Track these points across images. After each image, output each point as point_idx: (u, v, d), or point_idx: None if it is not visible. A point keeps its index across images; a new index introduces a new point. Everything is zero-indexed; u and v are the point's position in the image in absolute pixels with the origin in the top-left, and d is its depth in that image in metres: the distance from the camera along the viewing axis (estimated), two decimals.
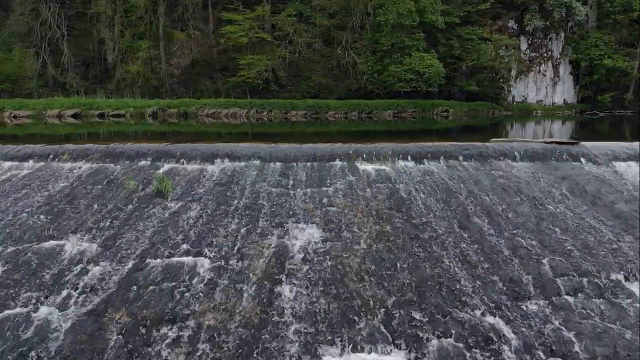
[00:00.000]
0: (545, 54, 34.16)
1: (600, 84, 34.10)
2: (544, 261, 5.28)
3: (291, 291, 4.67)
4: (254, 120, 25.02)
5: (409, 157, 8.05)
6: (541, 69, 34.21)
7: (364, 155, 8.12)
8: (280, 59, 29.84)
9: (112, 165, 7.79)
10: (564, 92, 35.10)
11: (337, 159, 7.98)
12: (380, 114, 27.67)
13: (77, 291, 4.77)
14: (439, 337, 4.18)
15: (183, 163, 7.82)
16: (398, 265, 5.11)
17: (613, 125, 23.23)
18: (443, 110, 28.91)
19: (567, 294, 4.83)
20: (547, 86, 34.66)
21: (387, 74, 28.99)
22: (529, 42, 33.86)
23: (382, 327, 4.25)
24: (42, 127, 20.08)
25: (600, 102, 33.56)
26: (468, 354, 4.02)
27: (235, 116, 26.32)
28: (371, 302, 4.53)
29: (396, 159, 8.05)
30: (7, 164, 8.08)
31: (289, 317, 4.36)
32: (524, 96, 34.36)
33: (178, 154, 8.00)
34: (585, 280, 5.04)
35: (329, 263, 5.12)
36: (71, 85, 29.04)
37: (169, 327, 4.25)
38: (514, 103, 33.60)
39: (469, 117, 28.39)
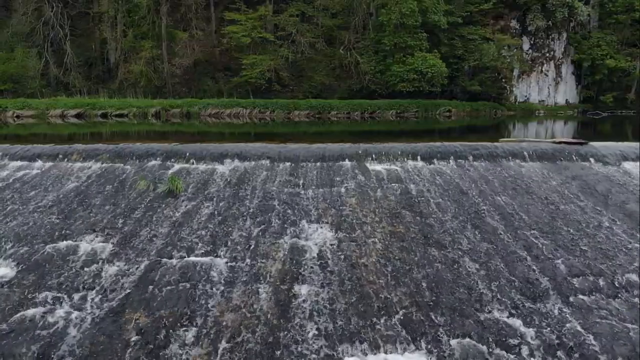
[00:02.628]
0: (547, 54, 34.15)
1: (602, 84, 34.12)
2: (559, 261, 5.28)
3: (308, 291, 4.67)
4: (256, 120, 25.01)
5: (419, 157, 8.06)
6: (543, 69, 34.21)
7: (373, 155, 8.13)
8: (283, 59, 29.85)
9: (122, 165, 7.80)
10: (566, 92, 35.11)
11: (347, 159, 7.99)
12: (383, 113, 27.67)
13: (94, 291, 4.76)
14: (458, 336, 4.18)
15: (193, 163, 7.82)
16: (413, 265, 5.12)
17: (615, 125, 23.23)
18: (445, 110, 28.89)
19: (584, 293, 4.83)
20: (550, 86, 34.67)
21: (390, 73, 29.00)
22: (531, 42, 33.87)
23: (401, 327, 4.25)
24: (47, 127, 20.08)
25: (602, 102, 33.59)
26: (488, 354, 4.02)
27: (238, 116, 26.32)
28: (389, 302, 4.53)
29: (405, 159, 8.06)
30: (16, 163, 8.10)
31: (307, 317, 4.36)
32: (526, 96, 34.37)
33: (188, 154, 8.01)
34: (600, 280, 5.04)
35: (345, 263, 5.12)
36: (74, 85, 29.08)
37: (188, 327, 4.25)
38: (517, 103, 33.59)
39: (472, 117, 28.38)
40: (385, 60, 29.65)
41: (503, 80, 32.29)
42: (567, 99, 35.27)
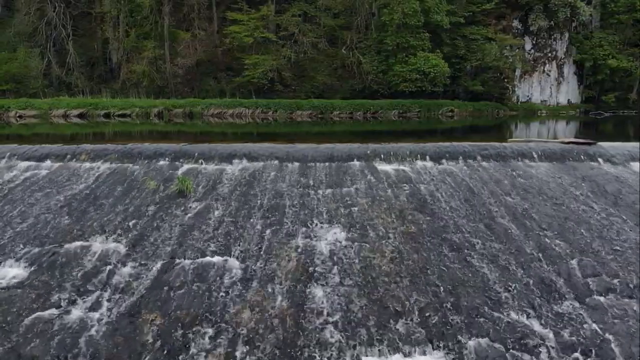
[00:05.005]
0: (549, 54, 34.15)
1: (604, 84, 34.15)
2: (573, 262, 5.27)
3: (324, 292, 4.66)
4: (259, 120, 25.01)
5: (427, 157, 8.05)
6: (545, 69, 34.22)
7: (382, 156, 8.11)
8: (285, 59, 29.84)
9: (130, 165, 7.78)
10: (568, 92, 35.10)
11: (355, 159, 7.98)
12: (385, 113, 27.66)
13: (108, 292, 4.75)
14: (476, 337, 4.17)
15: (202, 163, 7.81)
16: (428, 266, 5.11)
17: (618, 125, 23.23)
18: (448, 110, 28.90)
19: (599, 294, 4.82)
20: (552, 86, 34.67)
21: (392, 73, 29.00)
22: (533, 42, 33.87)
23: (419, 328, 4.24)
24: (51, 127, 20.05)
25: (604, 102, 33.62)
26: (507, 355, 4.01)
27: (240, 116, 26.31)
28: (405, 303, 4.52)
29: (414, 159, 8.05)
30: (25, 163, 8.08)
31: (324, 318, 4.35)
32: (528, 96, 34.37)
33: (196, 154, 7.99)
34: (615, 280, 5.03)
35: (358, 264, 5.11)
36: (76, 85, 29.07)
37: (205, 328, 4.23)
38: (519, 103, 33.60)
39: (474, 117, 28.37)
40: (387, 60, 29.64)
41: (505, 80, 32.29)
42: (569, 99, 35.28)
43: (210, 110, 26.26)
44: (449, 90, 30.44)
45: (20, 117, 24.19)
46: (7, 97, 26.49)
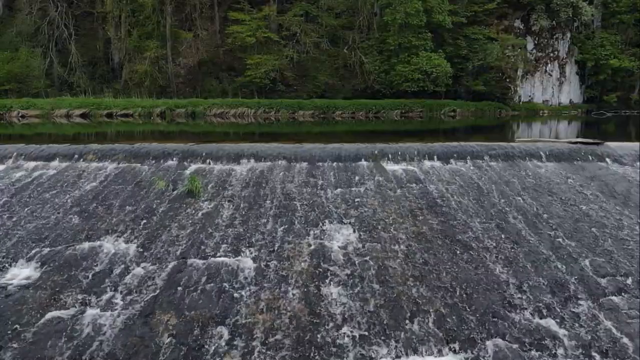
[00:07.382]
0: (551, 54, 34.15)
1: (606, 84, 34.17)
2: (586, 262, 5.27)
3: (337, 292, 4.65)
4: (261, 120, 24.99)
5: (435, 157, 8.05)
6: (547, 69, 34.22)
7: (390, 155, 8.10)
8: (287, 59, 29.81)
9: (138, 165, 7.77)
10: (570, 92, 35.11)
11: (363, 159, 7.97)
12: (388, 113, 27.64)
13: (122, 292, 4.74)
14: (492, 338, 4.17)
15: (209, 163, 7.80)
16: (441, 266, 5.10)
17: (620, 125, 23.22)
18: (450, 110, 28.89)
19: (613, 294, 4.81)
20: (553, 86, 34.67)
21: (394, 73, 28.99)
22: (535, 42, 33.87)
23: (434, 329, 4.23)
24: (54, 127, 20.03)
25: (606, 102, 33.63)
26: (524, 355, 4.00)
27: (242, 116, 26.28)
28: (420, 304, 4.51)
29: (422, 159, 8.04)
30: (32, 163, 8.07)
31: (338, 318, 4.34)
32: (530, 96, 34.36)
33: (204, 154, 7.98)
34: (628, 280, 5.02)
35: (371, 264, 5.10)
36: (78, 85, 29.01)
37: (221, 329, 4.22)
38: (521, 103, 33.56)
39: (476, 117, 28.37)
40: (389, 60, 29.63)
41: (507, 80, 32.27)
42: (570, 99, 35.28)
43: (212, 110, 26.22)
44: (451, 90, 30.43)
45: (22, 116, 24.15)
46: (10, 97, 26.44)
